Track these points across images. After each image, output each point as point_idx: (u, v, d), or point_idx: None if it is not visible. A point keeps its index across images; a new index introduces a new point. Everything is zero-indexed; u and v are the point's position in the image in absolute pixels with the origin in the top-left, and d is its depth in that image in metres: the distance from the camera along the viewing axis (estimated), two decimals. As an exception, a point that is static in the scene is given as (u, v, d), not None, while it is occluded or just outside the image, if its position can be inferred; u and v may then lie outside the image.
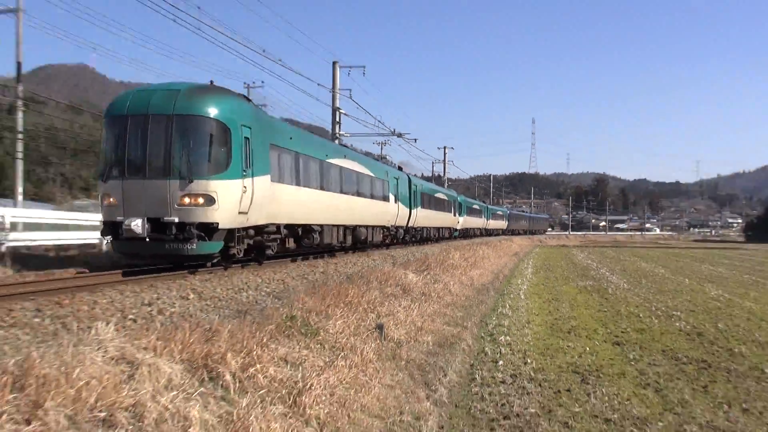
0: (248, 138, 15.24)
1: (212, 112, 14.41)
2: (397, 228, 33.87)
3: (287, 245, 19.28)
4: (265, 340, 7.80)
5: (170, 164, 13.92)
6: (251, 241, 16.54)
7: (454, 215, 52.33)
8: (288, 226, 18.83)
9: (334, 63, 37.74)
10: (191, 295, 11.51)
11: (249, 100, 17.38)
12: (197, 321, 8.34)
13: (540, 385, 10.09)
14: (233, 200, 14.53)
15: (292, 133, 19.61)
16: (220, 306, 11.09)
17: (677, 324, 15.98)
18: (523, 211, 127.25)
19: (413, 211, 36.49)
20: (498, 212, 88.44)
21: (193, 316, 9.79)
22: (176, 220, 13.68)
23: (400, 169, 38.54)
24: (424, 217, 40.08)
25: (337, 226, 23.56)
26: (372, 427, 7.23)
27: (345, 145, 33.10)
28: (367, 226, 27.65)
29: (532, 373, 10.78)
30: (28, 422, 4.42)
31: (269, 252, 18.03)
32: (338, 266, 19.44)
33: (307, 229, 20.46)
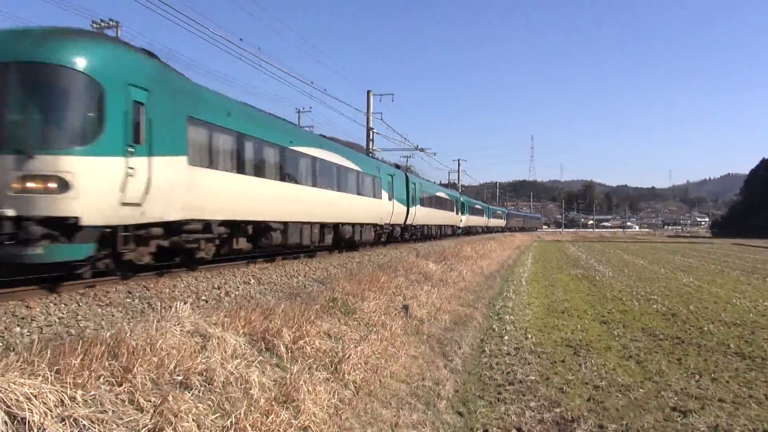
0: (142, 103, 9.38)
1: (76, 61, 8.46)
2: (393, 226, 27.77)
3: (235, 246, 13.15)
4: (311, 318, 7.79)
5: (3, 132, 8.10)
6: (165, 243, 10.51)
7: (457, 213, 47.21)
8: (228, 223, 12.53)
9: (368, 92, 37.82)
10: (252, 281, 11.56)
11: (154, 55, 10.58)
12: (257, 302, 8.37)
13: (539, 356, 9.95)
14: (107, 185, 8.66)
15: (231, 109, 12.83)
16: (276, 289, 11.13)
17: (654, 306, 15.64)
18: (520, 211, 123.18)
19: (411, 209, 30.12)
20: (498, 212, 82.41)
21: (254, 297, 9.84)
22: (9, 212, 7.78)
23: (397, 167, 32.27)
24: (424, 216, 33.89)
25: (310, 223, 16.95)
26: (399, 390, 7.17)
27: (335, 139, 22.77)
28: (353, 224, 21.36)
29: (532, 347, 10.63)
30: (120, 384, 4.45)
31: (201, 255, 11.76)
32: (371, 257, 19.39)
33: (265, 226, 14.23)
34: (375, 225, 24.46)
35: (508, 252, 40.10)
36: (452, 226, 46.95)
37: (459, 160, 77.07)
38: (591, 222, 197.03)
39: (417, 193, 31.57)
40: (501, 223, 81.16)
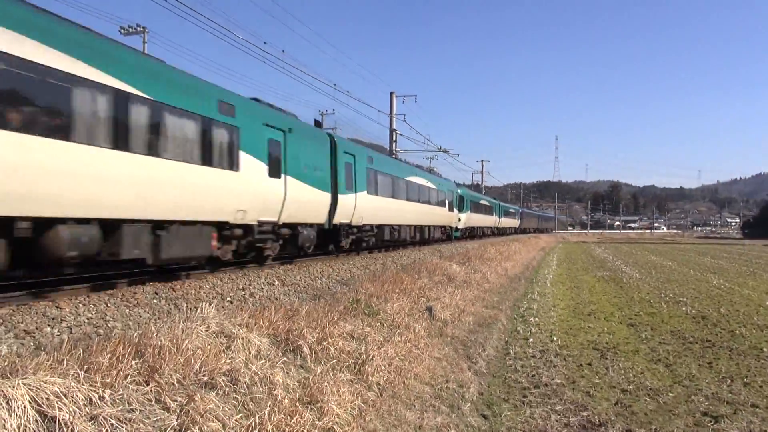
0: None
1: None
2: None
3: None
4: (335, 319, 7.80)
5: None
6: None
7: (451, 211, 35.68)
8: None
9: (391, 93, 37.80)
10: (276, 282, 11.64)
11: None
12: (281, 303, 8.41)
13: (565, 359, 9.81)
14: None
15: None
16: (299, 291, 11.18)
17: (684, 309, 15.31)
18: (533, 210, 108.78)
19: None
20: (510, 210, 69.68)
21: (278, 298, 9.90)
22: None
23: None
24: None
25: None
26: (423, 392, 7.14)
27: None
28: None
29: (557, 349, 10.49)
30: (146, 383, 4.50)
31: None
32: (394, 259, 19.37)
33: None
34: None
35: (533, 253, 39.72)
36: (443, 227, 34.52)
37: (482, 160, 76.29)
38: (617, 223, 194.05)
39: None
40: (514, 223, 71.15)
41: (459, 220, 38.73)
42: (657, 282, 22.43)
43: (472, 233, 45.84)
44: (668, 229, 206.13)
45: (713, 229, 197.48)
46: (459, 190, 39.75)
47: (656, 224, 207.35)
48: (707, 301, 16.94)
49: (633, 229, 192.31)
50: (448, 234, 36.34)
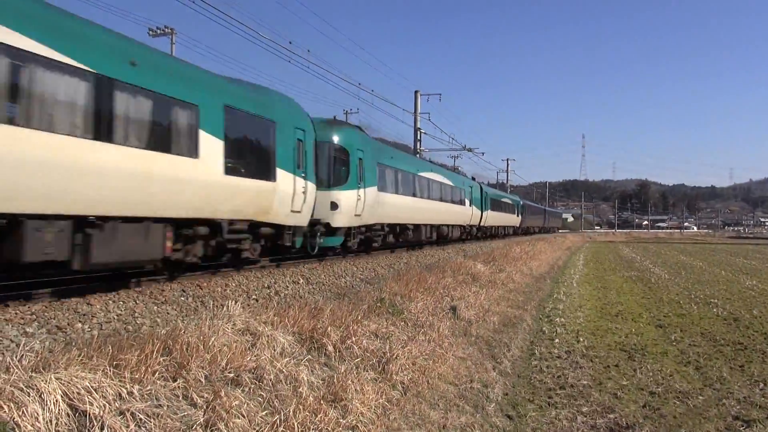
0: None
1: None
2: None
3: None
4: (359, 318, 7.82)
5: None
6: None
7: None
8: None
9: (415, 92, 37.78)
10: (301, 280, 11.72)
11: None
12: (305, 301, 8.47)
13: (591, 360, 9.68)
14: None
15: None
16: (324, 289, 11.24)
17: (715, 310, 14.97)
18: (538, 204, 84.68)
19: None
20: (506, 200, 49.77)
21: (303, 297, 9.97)
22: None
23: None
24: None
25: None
26: (447, 392, 7.11)
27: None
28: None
29: (584, 350, 10.35)
30: (174, 379, 4.57)
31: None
32: (418, 258, 19.36)
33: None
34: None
35: (558, 253, 39.27)
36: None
37: (507, 159, 75.64)
38: (645, 222, 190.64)
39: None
40: (513, 220, 52.82)
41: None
42: (687, 283, 21.98)
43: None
44: (699, 228, 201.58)
45: (745, 229, 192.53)
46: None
47: (686, 224, 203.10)
48: (739, 302, 16.54)
49: (662, 228, 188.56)
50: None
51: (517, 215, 54.44)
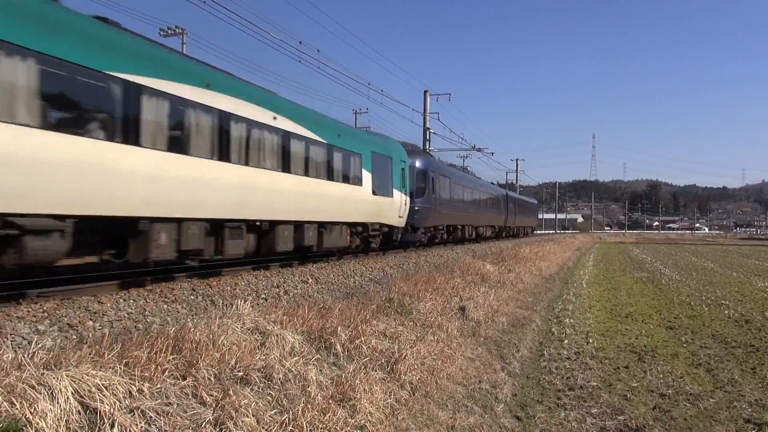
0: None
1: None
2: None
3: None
4: (368, 317, 7.82)
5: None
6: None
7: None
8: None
9: (425, 92, 37.65)
10: (310, 280, 11.74)
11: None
12: (314, 300, 8.48)
13: (601, 361, 9.63)
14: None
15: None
16: (332, 289, 11.26)
17: (726, 312, 14.85)
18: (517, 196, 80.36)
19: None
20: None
21: (311, 296, 9.99)
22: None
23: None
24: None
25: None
26: (456, 393, 7.10)
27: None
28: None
29: (593, 351, 10.30)
30: (183, 377, 4.59)
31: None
32: (428, 258, 19.33)
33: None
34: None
35: (568, 254, 39.07)
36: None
37: (517, 159, 75.42)
38: (656, 223, 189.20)
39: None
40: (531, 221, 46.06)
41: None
42: (698, 284, 21.81)
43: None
44: (710, 229, 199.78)
45: (758, 230, 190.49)
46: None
47: (697, 225, 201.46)
48: (751, 304, 16.39)
49: (673, 229, 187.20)
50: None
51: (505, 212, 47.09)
